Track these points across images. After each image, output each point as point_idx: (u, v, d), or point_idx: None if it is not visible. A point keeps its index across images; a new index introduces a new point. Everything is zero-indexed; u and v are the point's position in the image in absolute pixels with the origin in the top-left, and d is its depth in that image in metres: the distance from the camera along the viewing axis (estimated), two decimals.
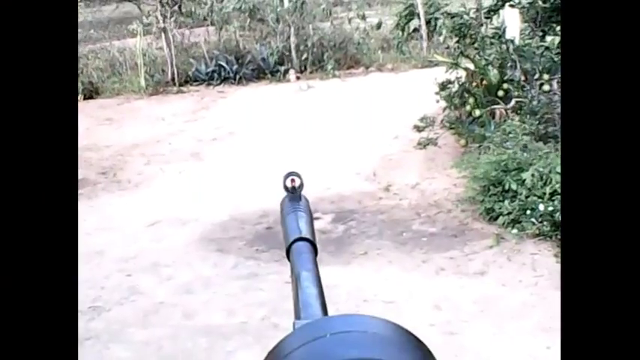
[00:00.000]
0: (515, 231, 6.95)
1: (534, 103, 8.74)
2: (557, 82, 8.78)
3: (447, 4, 15.83)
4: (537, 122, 8.34)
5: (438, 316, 5.77)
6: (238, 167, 9.85)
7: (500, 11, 9.67)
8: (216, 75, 15.34)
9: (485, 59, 9.42)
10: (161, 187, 9.49)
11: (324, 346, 0.77)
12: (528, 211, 6.94)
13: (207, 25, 17.09)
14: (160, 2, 15.87)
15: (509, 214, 7.11)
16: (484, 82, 9.37)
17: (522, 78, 9.15)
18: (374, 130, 10.78)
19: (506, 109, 9.05)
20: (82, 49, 17.18)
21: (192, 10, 16.86)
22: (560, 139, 7.14)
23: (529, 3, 9.28)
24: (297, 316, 1.01)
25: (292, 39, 15.60)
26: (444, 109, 9.97)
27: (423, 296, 6.12)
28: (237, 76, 15.21)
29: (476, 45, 9.59)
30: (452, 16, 10.10)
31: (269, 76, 15.36)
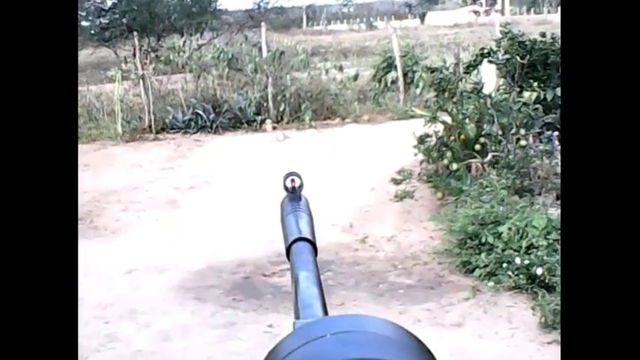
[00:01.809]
0: (491, 284, 7.00)
1: (511, 157, 8.85)
2: (534, 137, 8.91)
3: (425, 57, 16.02)
4: (514, 176, 8.45)
5: None
6: (215, 216, 9.86)
7: (479, 67, 9.81)
8: (193, 123, 15.38)
9: (463, 113, 9.52)
10: (138, 235, 9.48)
11: (324, 346, 0.77)
12: (504, 264, 7.00)
13: (186, 73, 17.15)
14: (139, 49, 15.95)
15: (485, 266, 7.16)
16: (461, 136, 9.47)
17: (499, 132, 9.26)
18: (351, 182, 10.84)
19: (482, 163, 9.14)
20: None
21: (171, 57, 16.93)
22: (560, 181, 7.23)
23: (506, 59, 9.42)
24: (297, 316, 1.01)
25: (270, 89, 15.69)
26: (422, 162, 10.05)
27: None
28: (214, 125, 15.26)
29: (454, 99, 9.69)
30: (432, 70, 10.22)
31: (246, 125, 15.43)
